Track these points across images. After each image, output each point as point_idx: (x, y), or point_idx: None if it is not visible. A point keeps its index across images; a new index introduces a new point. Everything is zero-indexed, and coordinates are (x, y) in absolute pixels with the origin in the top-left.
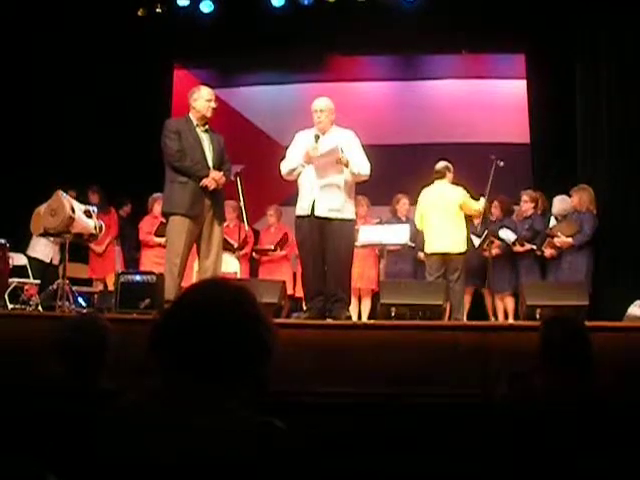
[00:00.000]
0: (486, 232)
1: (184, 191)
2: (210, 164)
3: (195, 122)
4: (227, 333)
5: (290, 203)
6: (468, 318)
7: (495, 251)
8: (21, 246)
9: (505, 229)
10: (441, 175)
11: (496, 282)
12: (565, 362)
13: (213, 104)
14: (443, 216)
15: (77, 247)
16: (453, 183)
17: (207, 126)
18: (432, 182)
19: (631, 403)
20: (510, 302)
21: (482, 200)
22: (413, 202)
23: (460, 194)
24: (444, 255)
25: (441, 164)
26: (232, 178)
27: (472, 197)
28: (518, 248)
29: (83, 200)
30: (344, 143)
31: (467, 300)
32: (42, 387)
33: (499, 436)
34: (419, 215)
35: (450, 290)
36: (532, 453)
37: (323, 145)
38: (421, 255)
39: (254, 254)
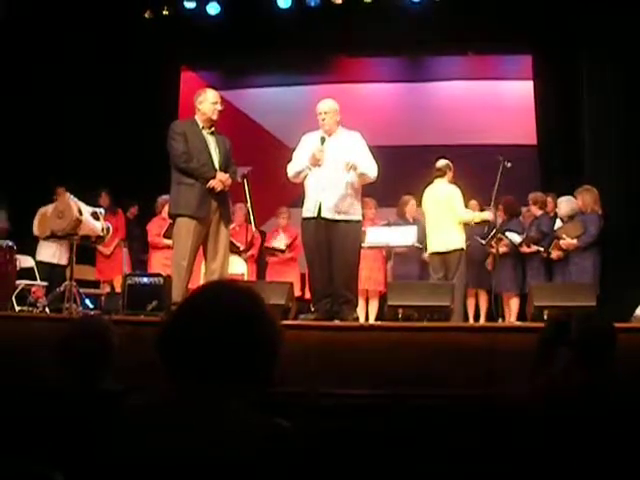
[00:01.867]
0: (495, 230)
1: (191, 193)
2: (216, 166)
3: (201, 124)
4: (234, 335)
5: (297, 205)
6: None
7: (502, 249)
8: (27, 248)
9: (510, 232)
10: (442, 173)
11: (502, 282)
12: (599, 360)
13: (219, 106)
14: (440, 215)
15: (84, 249)
16: (452, 182)
17: (213, 128)
18: (432, 181)
19: (637, 405)
20: (515, 303)
21: (479, 214)
22: (419, 203)
23: (452, 192)
24: (443, 254)
25: (443, 162)
26: (239, 180)
27: (480, 207)
28: (525, 249)
29: (89, 202)
30: (350, 145)
31: (471, 302)
32: (47, 389)
33: (527, 435)
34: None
35: None
36: (563, 453)
37: (329, 147)
38: (426, 256)
39: (264, 251)
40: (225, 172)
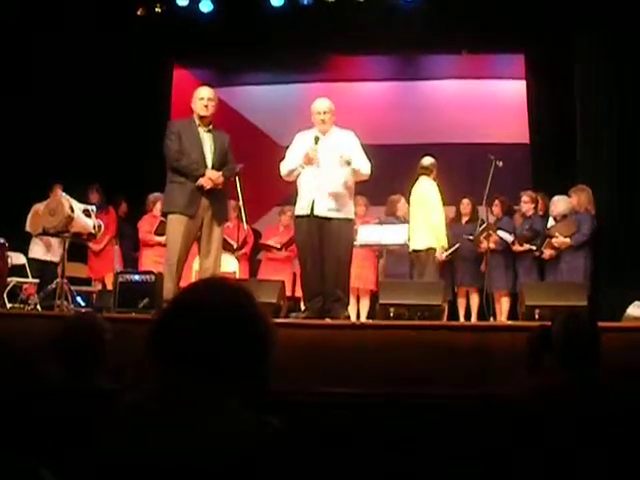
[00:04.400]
0: (484, 225)
1: (181, 191)
2: (209, 164)
3: (197, 122)
4: (225, 333)
5: (289, 203)
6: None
7: (491, 246)
8: (19, 245)
9: (501, 231)
10: (429, 172)
11: (493, 281)
12: (583, 360)
13: (205, 102)
14: (424, 213)
15: (76, 247)
16: (435, 181)
17: (211, 126)
18: (417, 178)
19: (630, 403)
20: (506, 302)
21: (441, 241)
22: (407, 201)
23: (430, 195)
24: (417, 252)
25: (429, 160)
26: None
27: (473, 206)
28: (517, 247)
29: (80, 199)
30: (344, 144)
31: (462, 301)
32: (40, 387)
33: (511, 434)
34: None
35: None
36: (549, 451)
37: (323, 146)
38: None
39: (260, 247)
40: (219, 170)
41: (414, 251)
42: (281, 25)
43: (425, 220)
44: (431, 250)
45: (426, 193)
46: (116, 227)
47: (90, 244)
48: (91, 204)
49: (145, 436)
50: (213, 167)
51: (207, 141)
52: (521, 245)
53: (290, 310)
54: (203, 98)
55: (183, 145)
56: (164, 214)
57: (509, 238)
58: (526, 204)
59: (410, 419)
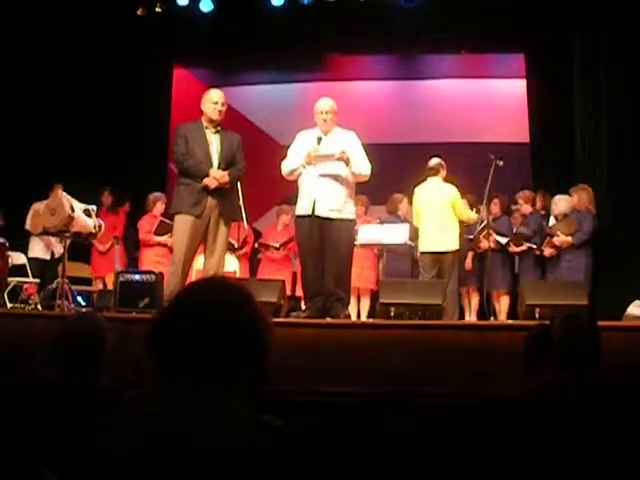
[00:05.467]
0: (484, 223)
1: (188, 191)
2: (215, 164)
3: (205, 124)
4: (224, 332)
5: (289, 202)
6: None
7: (491, 245)
8: (19, 245)
9: (496, 235)
10: (435, 172)
11: (492, 280)
12: (583, 360)
13: (219, 107)
14: (437, 214)
15: (78, 246)
16: (445, 180)
17: (219, 127)
18: (424, 179)
19: (630, 403)
20: (505, 301)
21: (474, 214)
22: (410, 201)
23: (452, 192)
24: (438, 254)
25: (435, 161)
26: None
27: (470, 204)
28: (513, 249)
29: (81, 198)
30: (346, 144)
31: (465, 302)
32: (39, 386)
33: (511, 434)
34: (416, 214)
35: None
36: (549, 451)
37: (325, 146)
38: (419, 255)
39: (257, 245)
40: (226, 170)
41: (432, 253)
42: (281, 25)
43: (452, 222)
44: (455, 252)
45: (451, 196)
46: (123, 228)
47: (96, 244)
48: (103, 206)
49: (145, 436)
50: (219, 167)
51: (214, 142)
52: (517, 246)
53: (291, 309)
54: (217, 102)
55: (190, 147)
56: (172, 215)
57: (503, 241)
58: (522, 206)
59: (410, 418)
